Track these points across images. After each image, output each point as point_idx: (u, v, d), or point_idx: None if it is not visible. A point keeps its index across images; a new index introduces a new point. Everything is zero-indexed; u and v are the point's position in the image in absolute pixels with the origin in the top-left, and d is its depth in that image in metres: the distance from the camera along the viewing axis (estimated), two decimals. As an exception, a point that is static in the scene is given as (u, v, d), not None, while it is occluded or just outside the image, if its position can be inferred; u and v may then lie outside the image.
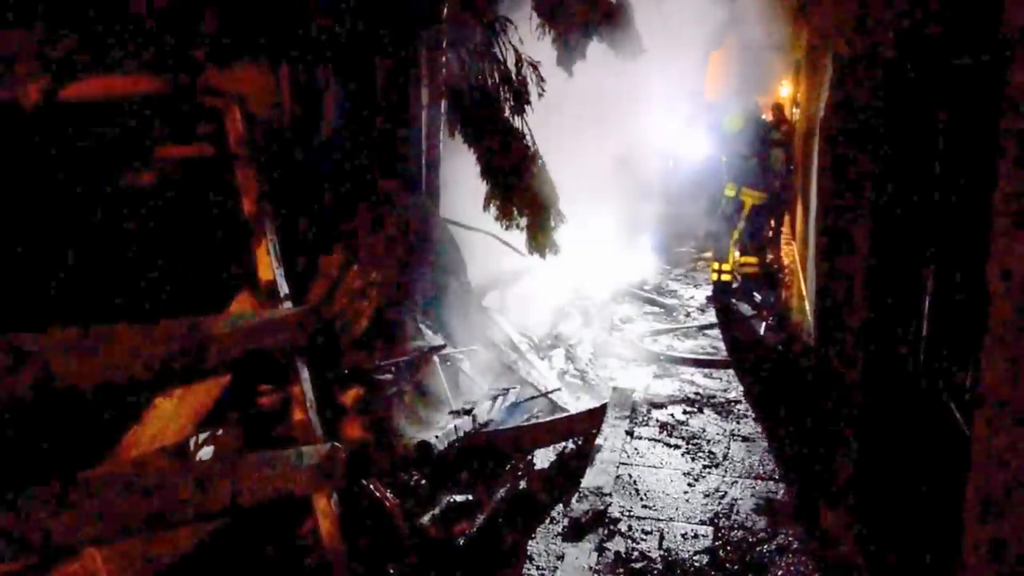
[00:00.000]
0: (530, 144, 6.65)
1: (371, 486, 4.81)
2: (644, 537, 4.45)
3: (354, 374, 5.59)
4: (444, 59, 6.94)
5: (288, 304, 5.01)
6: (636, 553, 4.28)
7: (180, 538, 4.24)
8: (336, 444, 4.54)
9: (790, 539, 4.37)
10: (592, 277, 9.66)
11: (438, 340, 6.27)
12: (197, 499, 3.94)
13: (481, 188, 6.69)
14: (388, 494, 4.76)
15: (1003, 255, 2.17)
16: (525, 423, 5.99)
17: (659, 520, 4.62)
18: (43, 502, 3.52)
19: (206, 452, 4.75)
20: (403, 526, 4.72)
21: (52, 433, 4.34)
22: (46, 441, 4.32)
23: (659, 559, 4.23)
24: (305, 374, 4.82)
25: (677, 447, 5.60)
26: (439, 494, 5.11)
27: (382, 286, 5.80)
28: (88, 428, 4.45)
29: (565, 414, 6.14)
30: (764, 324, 8.73)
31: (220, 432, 4.82)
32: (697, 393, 6.73)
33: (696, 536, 4.45)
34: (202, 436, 4.76)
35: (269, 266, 5.05)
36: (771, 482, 5.04)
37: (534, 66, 6.64)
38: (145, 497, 3.77)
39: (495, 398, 6.19)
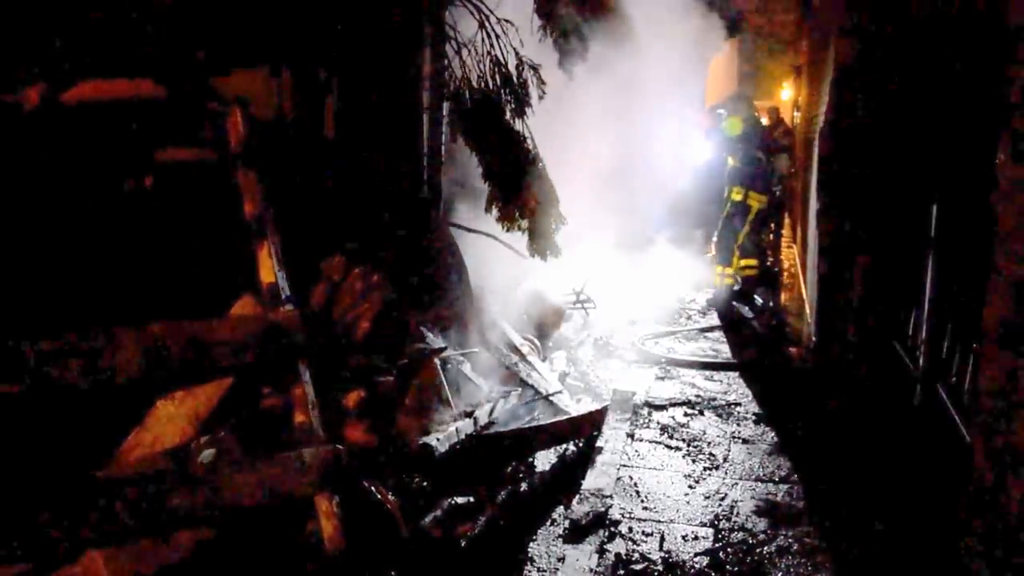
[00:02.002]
0: (531, 147, 6.66)
1: (373, 488, 4.82)
2: (644, 539, 4.45)
3: (356, 376, 5.60)
4: (445, 61, 6.95)
5: (290, 307, 5.02)
6: (636, 555, 4.28)
7: (182, 540, 4.25)
8: (338, 446, 4.56)
9: (790, 541, 4.38)
10: (593, 279, 9.67)
11: (439, 342, 6.28)
12: (199, 502, 3.95)
13: (482, 190, 6.71)
14: (390, 496, 4.77)
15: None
16: (526, 425, 6.00)
17: (660, 522, 4.63)
18: (45, 504, 3.53)
19: (208, 455, 4.75)
20: (405, 528, 4.73)
21: (53, 436, 4.35)
22: (47, 444, 4.33)
23: (659, 561, 4.23)
24: (307, 376, 4.83)
25: (678, 449, 5.60)
26: (440, 496, 5.12)
27: (383, 289, 5.81)
28: (89, 431, 4.46)
29: (566, 416, 6.14)
30: (765, 327, 8.74)
31: (222, 435, 4.83)
32: (698, 395, 6.73)
33: (696, 538, 4.45)
34: (203, 439, 4.77)
35: (271, 269, 5.06)
36: (771, 484, 5.05)
37: (535, 68, 6.66)
38: (147, 499, 3.78)
39: (496, 400, 6.19)
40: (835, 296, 5.71)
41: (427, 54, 6.92)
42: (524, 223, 6.70)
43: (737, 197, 9.70)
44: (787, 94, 13.19)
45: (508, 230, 6.73)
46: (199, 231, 5.40)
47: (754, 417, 6.19)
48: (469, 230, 7.56)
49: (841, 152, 5.40)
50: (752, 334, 8.66)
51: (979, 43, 3.26)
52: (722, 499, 4.88)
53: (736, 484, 5.07)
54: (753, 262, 9.82)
